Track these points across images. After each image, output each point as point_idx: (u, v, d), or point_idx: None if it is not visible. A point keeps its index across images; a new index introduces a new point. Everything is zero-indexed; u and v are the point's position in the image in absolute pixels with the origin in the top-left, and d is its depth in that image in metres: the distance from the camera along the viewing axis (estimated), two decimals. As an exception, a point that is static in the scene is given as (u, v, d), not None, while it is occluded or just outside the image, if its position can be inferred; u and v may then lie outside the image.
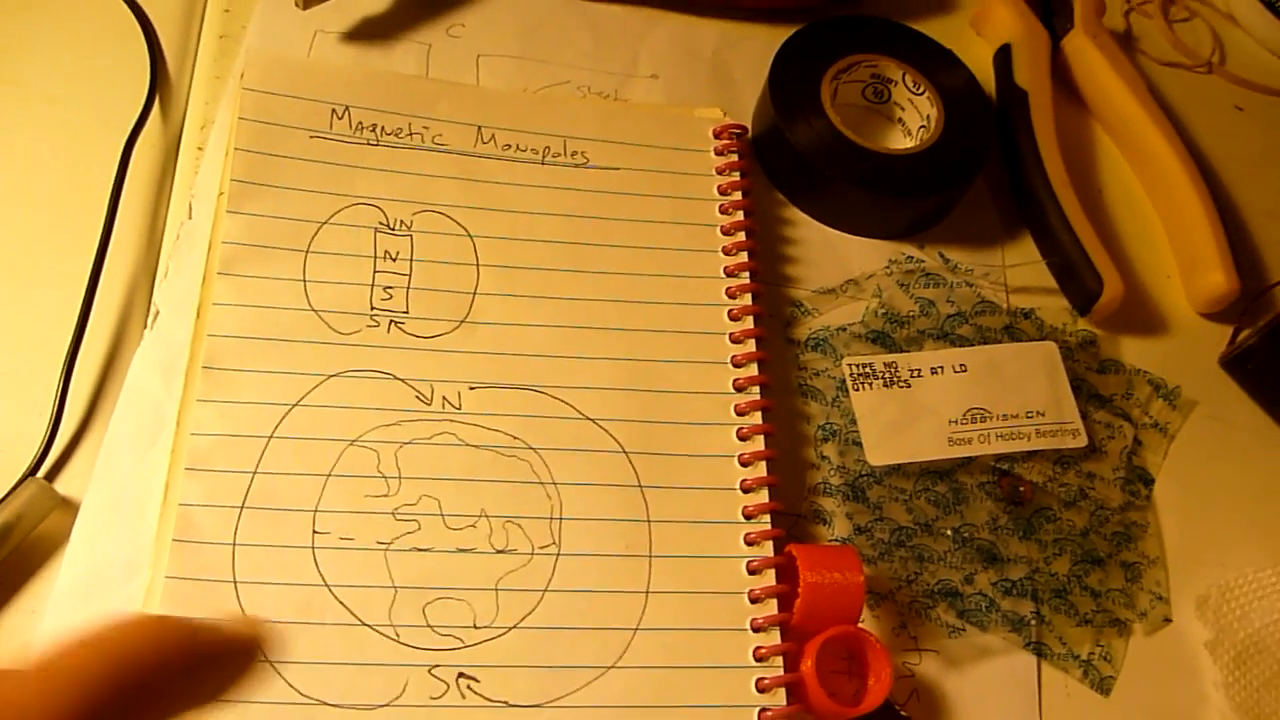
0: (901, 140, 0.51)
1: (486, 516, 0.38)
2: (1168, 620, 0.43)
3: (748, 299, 0.43)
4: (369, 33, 0.48)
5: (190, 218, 0.42)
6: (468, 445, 0.39)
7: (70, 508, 0.37)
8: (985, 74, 0.53)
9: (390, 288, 0.41)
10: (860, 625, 0.38)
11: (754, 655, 0.37)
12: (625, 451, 0.40)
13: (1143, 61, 0.58)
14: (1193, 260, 0.50)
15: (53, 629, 0.35)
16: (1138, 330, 0.49)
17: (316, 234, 0.41)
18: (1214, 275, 0.49)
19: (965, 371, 0.45)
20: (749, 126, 0.49)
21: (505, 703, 0.35)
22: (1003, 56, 0.53)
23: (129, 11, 0.48)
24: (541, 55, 0.50)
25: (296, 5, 0.46)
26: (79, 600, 0.35)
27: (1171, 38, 0.59)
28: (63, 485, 0.38)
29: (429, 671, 0.35)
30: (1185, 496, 0.45)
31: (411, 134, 0.44)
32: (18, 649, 0.34)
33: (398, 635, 0.35)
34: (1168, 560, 0.44)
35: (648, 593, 0.38)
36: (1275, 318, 0.47)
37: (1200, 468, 0.46)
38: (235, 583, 0.35)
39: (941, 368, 0.45)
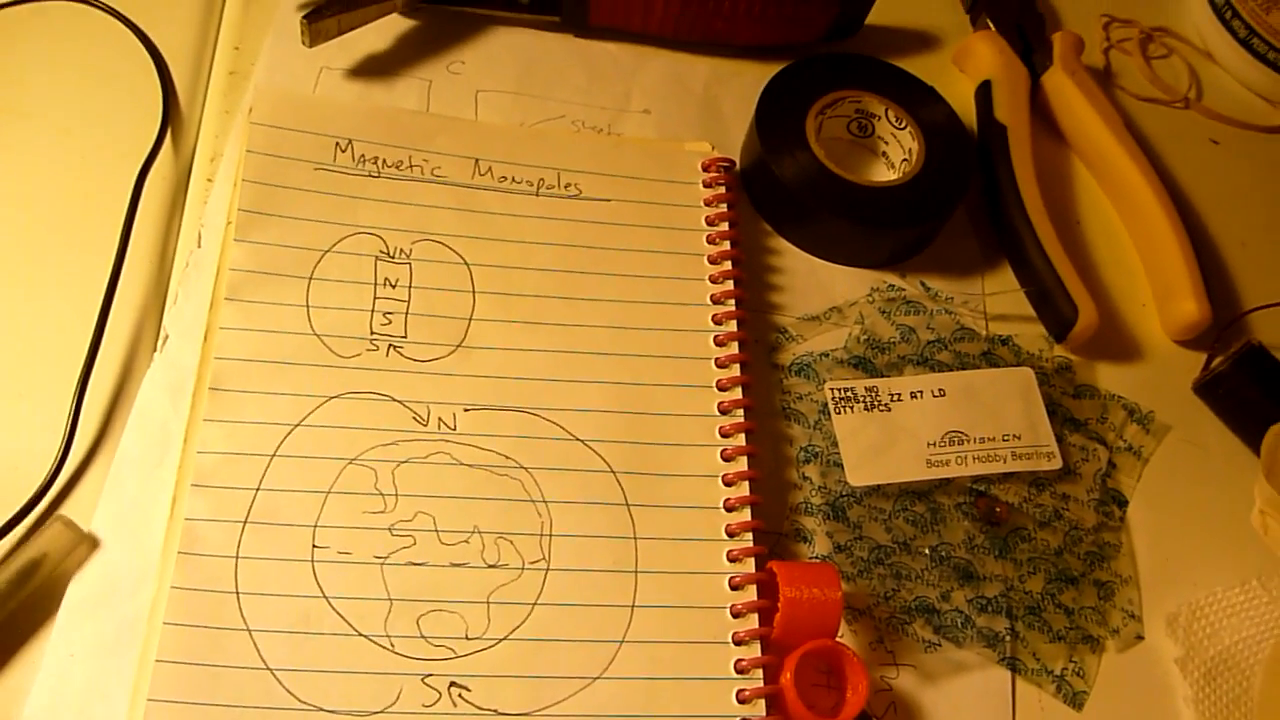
0: (884, 173, 0.53)
1: (479, 532, 0.39)
2: (1140, 638, 0.44)
3: (733, 325, 0.45)
4: (372, 69, 0.51)
5: (199, 246, 0.44)
6: (462, 464, 0.41)
7: (92, 542, 0.38)
8: (967, 108, 0.55)
9: (390, 313, 0.43)
10: (839, 640, 0.40)
11: (735, 667, 0.39)
12: (613, 471, 0.41)
13: (1121, 97, 0.60)
14: (1167, 289, 0.51)
15: (64, 641, 0.37)
16: (1113, 356, 0.51)
17: (320, 261, 0.43)
18: (1187, 304, 0.50)
19: (944, 396, 0.46)
20: (737, 160, 0.51)
21: (495, 711, 0.37)
22: (984, 92, 0.55)
23: (142, 47, 0.50)
24: (538, 91, 0.52)
25: (303, 43, 0.48)
26: (89, 611, 0.37)
27: (1150, 74, 0.61)
28: (74, 501, 0.39)
29: (422, 680, 0.37)
30: (1158, 518, 0.47)
31: (412, 166, 0.46)
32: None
33: (393, 645, 0.37)
34: (1140, 579, 0.45)
35: (633, 606, 0.39)
36: (1244, 345, 0.49)
37: (1173, 490, 0.48)
38: (238, 594, 0.37)
39: (921, 392, 0.46)
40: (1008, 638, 0.42)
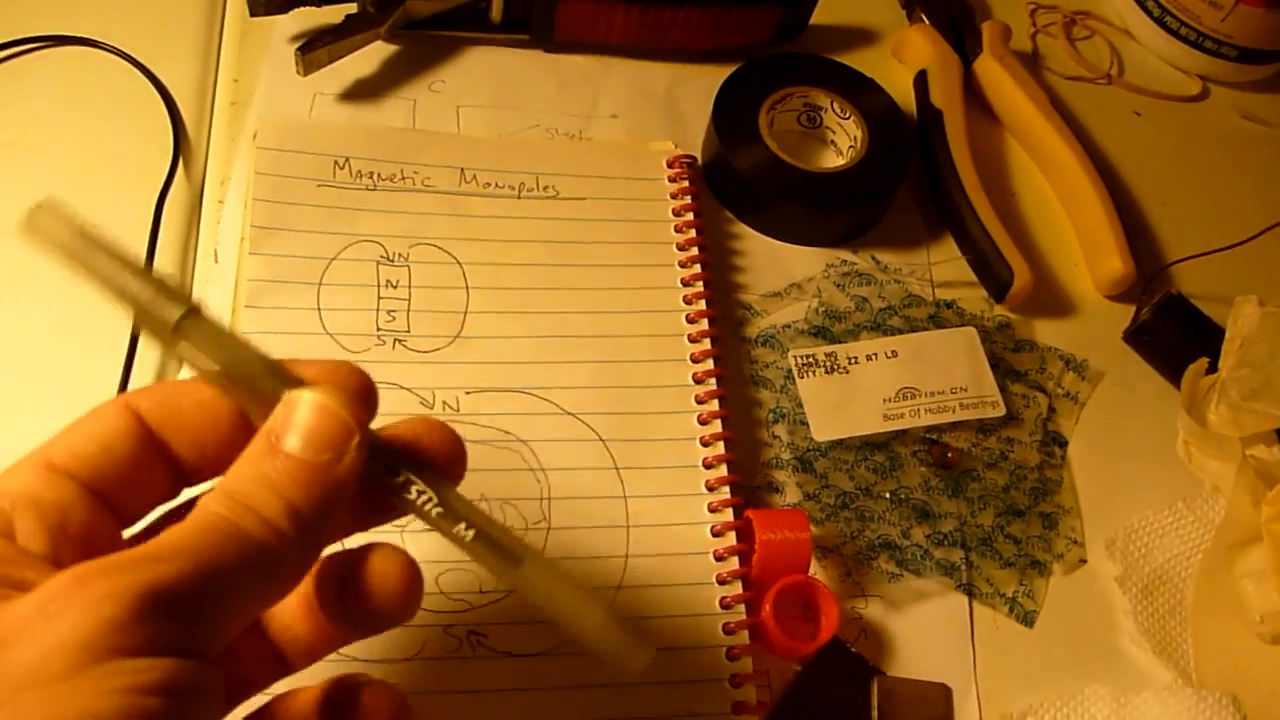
0: (833, 159, 0.58)
1: (485, 499, 0.44)
2: (1082, 561, 0.49)
3: (702, 305, 0.50)
4: (362, 92, 0.55)
5: (216, 261, 0.49)
6: (467, 441, 0.45)
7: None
8: (907, 96, 0.60)
9: (393, 311, 0.48)
10: (811, 575, 0.45)
11: (720, 604, 0.44)
12: (602, 439, 0.46)
13: (1049, 77, 0.65)
14: (1095, 249, 0.57)
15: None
16: (1050, 313, 0.56)
17: (327, 269, 0.48)
18: (1113, 261, 0.55)
19: (896, 357, 0.51)
20: (698, 155, 0.56)
21: (509, 653, 0.41)
22: (920, 81, 0.60)
23: (149, 84, 0.54)
24: (513, 103, 0.57)
25: (298, 72, 0.53)
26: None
27: (1074, 54, 0.66)
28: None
29: (444, 630, 0.41)
30: (1095, 454, 0.52)
31: (404, 178, 0.51)
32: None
33: (416, 601, 0.42)
34: (1081, 509, 0.50)
35: (627, 556, 0.44)
36: (1164, 295, 0.54)
37: (1108, 428, 0.53)
38: (277, 563, 0.41)
39: (875, 354, 0.51)
40: (963, 567, 0.47)
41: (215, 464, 0.30)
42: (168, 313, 0.28)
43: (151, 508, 0.30)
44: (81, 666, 0.23)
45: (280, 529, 0.26)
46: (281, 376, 0.29)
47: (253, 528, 0.26)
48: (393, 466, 0.29)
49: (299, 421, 0.28)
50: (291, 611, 0.31)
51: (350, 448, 0.28)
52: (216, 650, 0.26)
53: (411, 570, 0.30)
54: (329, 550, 0.30)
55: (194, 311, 0.28)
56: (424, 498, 0.29)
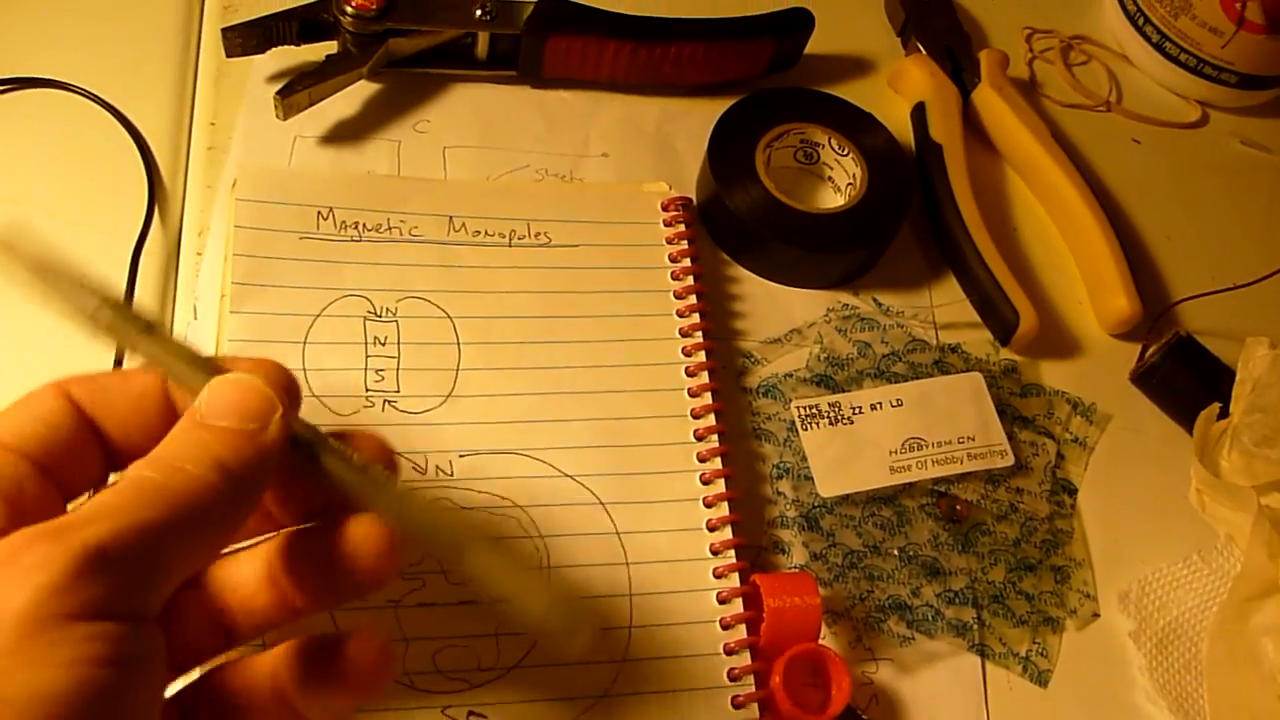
0: (832, 197, 0.56)
1: (483, 570, 0.42)
2: (1096, 615, 0.48)
3: (702, 355, 0.48)
4: (343, 135, 0.53)
5: (195, 318, 0.47)
6: (461, 508, 0.44)
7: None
8: (905, 128, 0.59)
9: (382, 370, 0.46)
10: (821, 642, 0.43)
11: (728, 675, 0.42)
12: (602, 503, 0.45)
13: (1046, 105, 0.64)
14: (1099, 286, 0.55)
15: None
16: (1055, 355, 0.54)
17: (312, 326, 0.46)
18: (1118, 300, 0.54)
19: (901, 405, 0.50)
20: (693, 196, 0.54)
21: (511, 734, 0.40)
22: (919, 114, 0.59)
23: (121, 128, 0.52)
24: (501, 143, 0.55)
25: (277, 116, 0.51)
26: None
27: (1072, 81, 0.65)
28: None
29: (442, 711, 0.40)
30: (1106, 502, 0.51)
31: (390, 228, 0.49)
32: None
33: (412, 682, 0.40)
34: (1093, 561, 0.49)
35: (630, 628, 0.42)
36: (1173, 336, 0.53)
37: (1118, 475, 0.51)
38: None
39: (880, 403, 0.50)
40: (975, 626, 0.46)
41: (143, 448, 0.31)
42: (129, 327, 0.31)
43: (88, 487, 0.32)
44: (25, 636, 0.23)
45: (209, 481, 0.28)
46: (210, 368, 0.31)
47: (181, 483, 0.27)
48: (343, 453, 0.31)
49: (222, 398, 0.29)
50: (254, 582, 0.32)
51: (274, 419, 0.29)
52: (156, 609, 0.26)
53: (389, 536, 0.31)
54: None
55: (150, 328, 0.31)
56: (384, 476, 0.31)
